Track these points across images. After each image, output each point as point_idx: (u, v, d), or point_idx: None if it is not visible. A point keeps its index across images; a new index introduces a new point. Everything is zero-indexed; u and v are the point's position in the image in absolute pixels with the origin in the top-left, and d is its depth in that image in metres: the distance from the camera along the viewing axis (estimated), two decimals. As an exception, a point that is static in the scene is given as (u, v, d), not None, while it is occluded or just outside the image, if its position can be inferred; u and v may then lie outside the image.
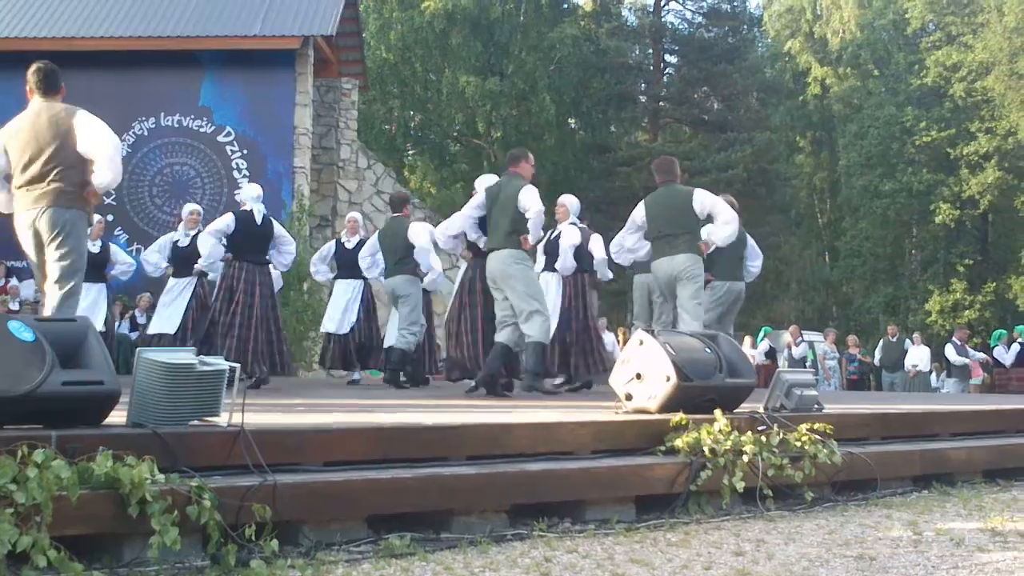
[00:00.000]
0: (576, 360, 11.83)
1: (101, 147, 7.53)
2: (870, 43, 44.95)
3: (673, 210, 10.07)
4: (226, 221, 12.07)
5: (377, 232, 13.62)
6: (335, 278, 14.36)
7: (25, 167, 7.56)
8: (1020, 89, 36.20)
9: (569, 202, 12.36)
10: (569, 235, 11.82)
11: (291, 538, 4.65)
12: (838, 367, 25.72)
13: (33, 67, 7.75)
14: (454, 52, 37.35)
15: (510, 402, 8.95)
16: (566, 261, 11.61)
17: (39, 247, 7.69)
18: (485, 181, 10.99)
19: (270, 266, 12.36)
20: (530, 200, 9.87)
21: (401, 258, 12.80)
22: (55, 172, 7.53)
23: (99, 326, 12.42)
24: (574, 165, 39.63)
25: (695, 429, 6.22)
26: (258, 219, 12.21)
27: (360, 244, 14.03)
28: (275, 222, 12.64)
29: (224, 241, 12.06)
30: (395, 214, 13.33)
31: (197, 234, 13.05)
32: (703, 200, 10.01)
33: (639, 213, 10.40)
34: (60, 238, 7.60)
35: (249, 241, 12.09)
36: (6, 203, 7.87)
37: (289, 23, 21.58)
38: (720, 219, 9.94)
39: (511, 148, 36.79)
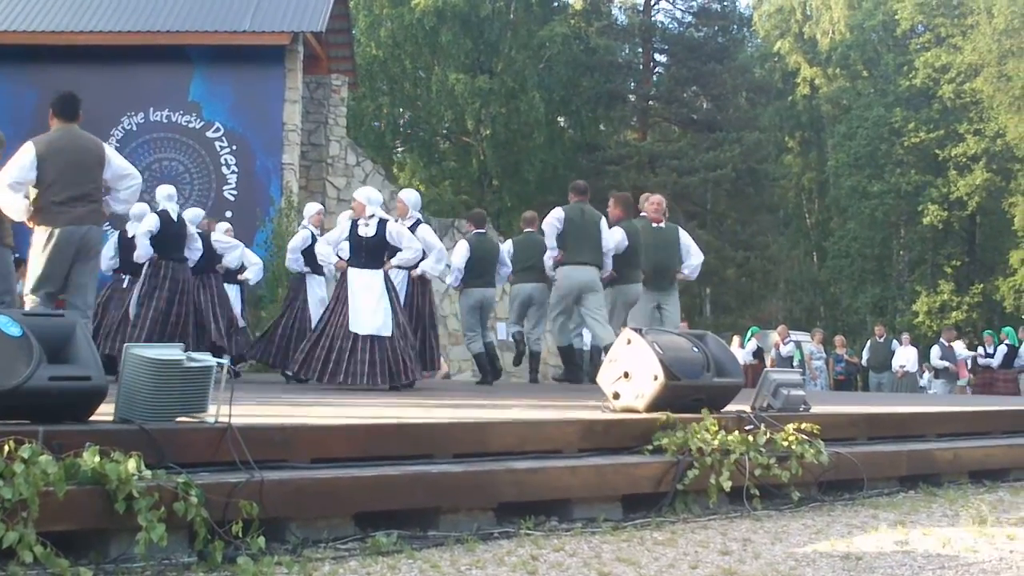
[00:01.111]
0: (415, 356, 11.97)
1: (129, 180, 8.65)
2: (859, 44, 45.04)
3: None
4: (153, 221, 12.45)
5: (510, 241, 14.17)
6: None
7: (65, 185, 8.25)
8: (1009, 91, 36.30)
9: (407, 197, 12.42)
10: (424, 232, 12.19)
11: (278, 535, 4.65)
12: (825, 367, 25.77)
13: (57, 96, 8.60)
14: (444, 50, 37.30)
15: (497, 400, 8.96)
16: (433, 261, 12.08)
17: (72, 259, 8.41)
18: (365, 192, 11.47)
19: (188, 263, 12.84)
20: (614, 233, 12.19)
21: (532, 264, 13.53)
22: (94, 193, 8.42)
23: None
24: (563, 163, 39.62)
25: (682, 428, 6.23)
26: (174, 217, 12.68)
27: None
28: (188, 222, 13.07)
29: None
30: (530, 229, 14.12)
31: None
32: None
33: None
34: (96, 254, 8.68)
35: (170, 240, 12.52)
36: (24, 211, 8.29)
37: (279, 19, 21.53)
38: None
39: (500, 146, 37.10)
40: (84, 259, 8.49)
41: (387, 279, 11.03)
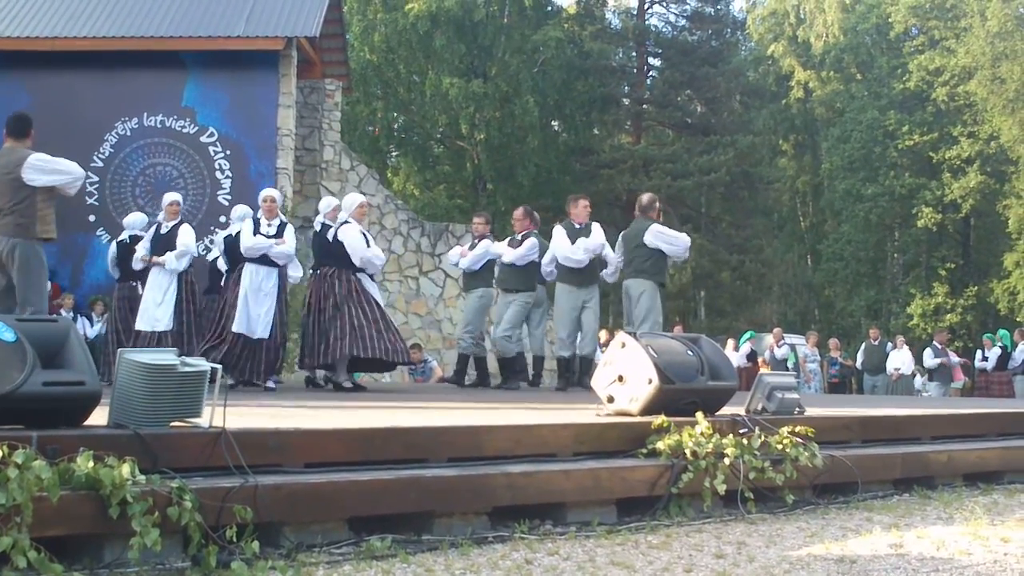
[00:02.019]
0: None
1: (56, 177, 9.15)
2: (853, 47, 45.07)
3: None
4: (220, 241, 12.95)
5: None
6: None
7: None
8: (1002, 93, 36.28)
9: (276, 194, 12.38)
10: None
11: (272, 539, 4.65)
12: (819, 370, 25.77)
13: (9, 115, 9.38)
14: (438, 54, 37.21)
15: (491, 404, 8.95)
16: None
17: (5, 269, 9.10)
18: (279, 196, 12.45)
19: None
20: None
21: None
22: (6, 207, 8.96)
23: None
24: (557, 167, 39.61)
25: (677, 432, 6.23)
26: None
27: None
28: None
29: None
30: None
31: (177, 224, 12.90)
32: None
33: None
34: (27, 269, 9.08)
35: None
36: None
37: (273, 24, 21.49)
38: None
39: (494, 150, 37.08)
40: (16, 273, 9.04)
41: (281, 279, 11.72)
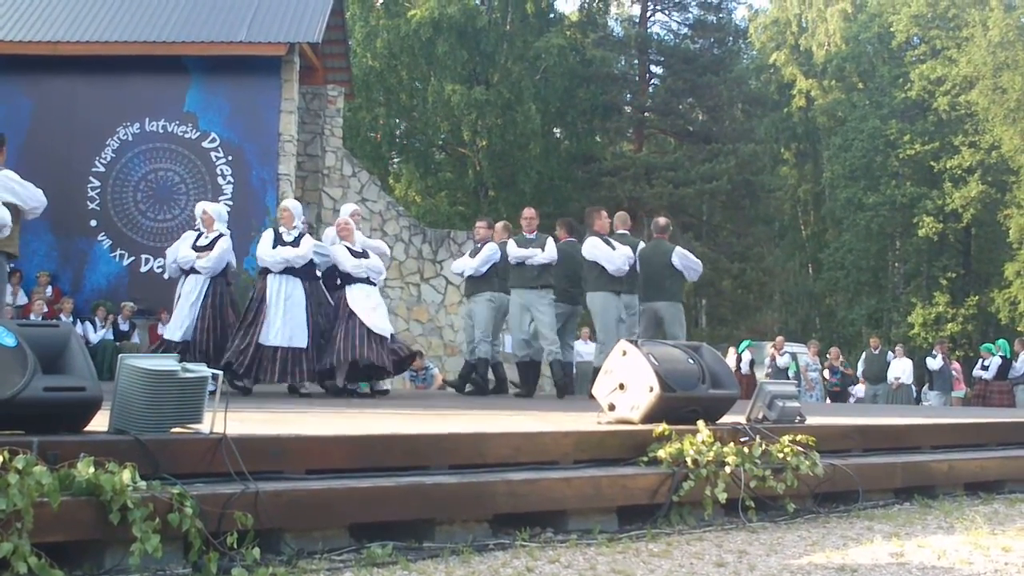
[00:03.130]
0: None
1: (8, 196, 8.92)
2: (855, 56, 45.07)
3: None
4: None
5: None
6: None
7: None
8: (1004, 103, 36.31)
9: (213, 210, 12.41)
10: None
11: (273, 546, 4.64)
12: (820, 378, 25.77)
13: None
14: (440, 61, 37.22)
15: (492, 411, 8.95)
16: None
17: None
18: (217, 209, 12.46)
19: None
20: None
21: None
22: None
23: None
24: (559, 175, 39.60)
25: (678, 440, 6.23)
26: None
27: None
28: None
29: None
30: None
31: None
32: None
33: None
34: None
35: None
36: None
37: (275, 30, 21.53)
38: None
39: (496, 157, 37.07)
40: None
41: (212, 286, 11.82)
